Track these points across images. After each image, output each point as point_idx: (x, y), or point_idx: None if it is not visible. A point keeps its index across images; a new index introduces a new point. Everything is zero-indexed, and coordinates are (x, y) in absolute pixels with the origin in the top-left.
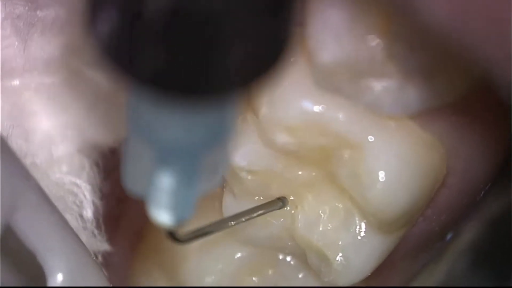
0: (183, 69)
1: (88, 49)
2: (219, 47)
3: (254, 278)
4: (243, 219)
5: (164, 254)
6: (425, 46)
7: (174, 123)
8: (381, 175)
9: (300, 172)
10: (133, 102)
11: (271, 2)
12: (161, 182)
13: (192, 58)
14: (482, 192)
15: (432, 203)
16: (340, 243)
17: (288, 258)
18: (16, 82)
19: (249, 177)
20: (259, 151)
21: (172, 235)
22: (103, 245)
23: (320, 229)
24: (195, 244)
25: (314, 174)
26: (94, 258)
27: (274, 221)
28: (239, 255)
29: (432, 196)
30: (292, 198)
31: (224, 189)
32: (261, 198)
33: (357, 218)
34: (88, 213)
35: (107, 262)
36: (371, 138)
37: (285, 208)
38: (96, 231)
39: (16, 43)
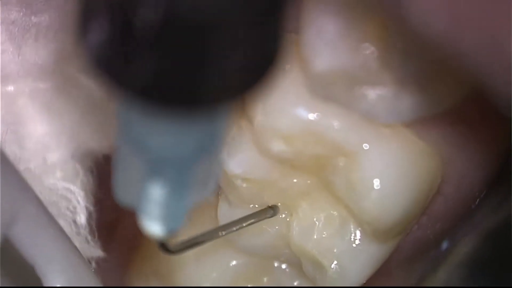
0: (173, 80)
1: (81, 56)
2: (210, 58)
3: (249, 286)
4: (234, 229)
5: (159, 261)
6: (420, 54)
7: (165, 133)
8: (376, 183)
9: (295, 180)
10: (124, 113)
11: (261, 12)
12: (152, 192)
13: (183, 69)
14: (477, 200)
15: (427, 211)
16: (335, 251)
17: (284, 266)
18: (10, 88)
19: (244, 185)
20: (254, 159)
21: (163, 246)
22: (96, 251)
23: (315, 237)
24: (190, 252)
25: (309, 182)
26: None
27: (269, 229)
28: (234, 263)
29: (427, 204)
30: (287, 206)
31: (219, 197)
32: (256, 206)
33: (352, 226)
34: (82, 219)
35: (101, 269)
36: (366, 146)
37: (280, 216)
38: (89, 237)
39: (11, 49)
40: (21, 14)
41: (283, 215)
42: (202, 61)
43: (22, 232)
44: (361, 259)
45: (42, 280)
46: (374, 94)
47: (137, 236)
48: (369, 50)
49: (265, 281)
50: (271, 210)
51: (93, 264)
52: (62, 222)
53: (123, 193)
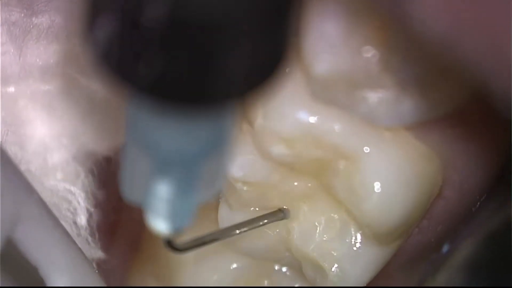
0: (182, 78)
1: (84, 56)
2: (218, 57)
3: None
4: (245, 229)
5: (160, 264)
6: (421, 58)
7: (172, 132)
8: (377, 186)
9: (296, 183)
10: (132, 111)
11: (270, 13)
12: (159, 190)
13: (191, 67)
14: (478, 203)
15: (428, 214)
16: (335, 254)
17: (284, 269)
18: (11, 89)
19: (245, 188)
20: (255, 162)
21: (170, 244)
22: (97, 253)
23: (316, 240)
24: (191, 254)
25: (309, 185)
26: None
27: (270, 232)
28: (235, 265)
29: (427, 207)
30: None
31: (220, 200)
32: (257, 209)
33: (352, 229)
34: (82, 220)
35: (102, 270)
36: (366, 149)
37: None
38: (90, 239)
39: (12, 50)
40: (22, 15)
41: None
42: (209, 59)
43: (26, 233)
44: (362, 262)
45: (45, 282)
46: (375, 97)
47: (138, 238)
48: (370, 54)
49: (265, 284)
50: (281, 213)
51: (94, 266)
52: (62, 224)
53: (130, 191)
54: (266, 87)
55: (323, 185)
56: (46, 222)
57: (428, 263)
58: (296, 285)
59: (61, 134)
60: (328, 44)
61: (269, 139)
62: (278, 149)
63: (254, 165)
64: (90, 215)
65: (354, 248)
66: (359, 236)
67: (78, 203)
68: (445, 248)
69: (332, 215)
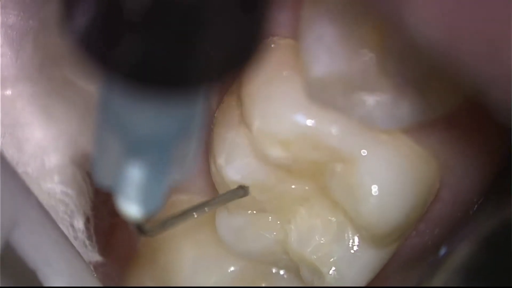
0: (157, 61)
1: (65, 37)
2: (193, 40)
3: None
4: (206, 209)
5: (157, 266)
6: (417, 61)
7: (145, 115)
8: (374, 189)
9: (293, 186)
10: (105, 93)
11: None
12: (130, 174)
13: (167, 50)
14: (475, 206)
15: (425, 216)
16: (333, 257)
17: (281, 272)
18: (9, 92)
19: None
20: (252, 165)
21: (139, 228)
22: (94, 256)
23: (313, 242)
24: (189, 257)
25: (307, 188)
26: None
27: (267, 235)
28: (232, 268)
29: (425, 209)
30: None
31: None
32: (254, 212)
33: (350, 232)
34: (79, 223)
35: (99, 273)
36: (364, 152)
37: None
38: (87, 242)
39: (9, 53)
40: (19, 18)
41: (281, 221)
42: (184, 42)
43: (24, 236)
44: (359, 265)
45: (43, 284)
46: (372, 100)
47: (135, 241)
48: (367, 56)
49: (263, 287)
50: (242, 190)
51: (91, 268)
52: (60, 226)
53: (102, 175)
54: (240, 71)
55: (320, 187)
56: (44, 224)
57: (425, 265)
58: (294, 287)
59: (58, 136)
60: (325, 46)
61: (266, 142)
62: (275, 152)
63: (251, 167)
64: (87, 218)
65: (352, 251)
66: (356, 239)
67: (75, 206)
68: (442, 250)
69: (329, 217)
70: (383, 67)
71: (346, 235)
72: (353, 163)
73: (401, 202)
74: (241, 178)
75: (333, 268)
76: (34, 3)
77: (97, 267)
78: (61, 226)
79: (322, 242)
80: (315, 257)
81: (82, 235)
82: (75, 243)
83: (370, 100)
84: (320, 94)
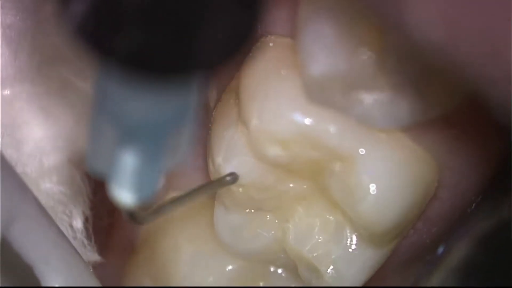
0: (153, 49)
1: (61, 24)
2: (189, 29)
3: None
4: (202, 195)
5: (155, 265)
6: (416, 60)
7: (140, 102)
8: (372, 188)
9: (291, 185)
10: (101, 80)
11: None
12: (124, 161)
13: (163, 38)
14: (473, 205)
15: (423, 215)
16: (331, 255)
17: (280, 271)
18: (7, 92)
19: (240, 190)
20: (250, 164)
21: (131, 216)
22: (93, 256)
23: (311, 241)
24: (186, 256)
25: (305, 186)
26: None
27: (266, 233)
28: (230, 267)
29: (423, 208)
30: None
31: (215, 201)
32: (252, 210)
33: (348, 231)
34: (78, 223)
35: (98, 273)
36: (362, 151)
37: (276, 220)
38: (86, 242)
39: (7, 53)
40: (17, 18)
41: (279, 220)
42: (180, 31)
43: (20, 232)
44: (357, 264)
45: (40, 280)
46: (371, 99)
47: (133, 240)
48: (366, 55)
49: (261, 286)
50: (231, 178)
51: (90, 269)
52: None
53: (95, 162)
54: (234, 59)
55: (318, 186)
56: (41, 221)
57: (423, 264)
58: (291, 286)
59: (57, 136)
60: (323, 45)
61: (265, 141)
62: (274, 151)
63: (249, 166)
64: (86, 218)
65: (350, 250)
66: (354, 238)
67: (74, 206)
68: (440, 249)
69: (327, 216)
70: (382, 66)
71: (344, 233)
72: (352, 162)
73: (399, 201)
74: (239, 176)
75: (331, 267)
76: (32, 3)
77: (96, 266)
78: (60, 226)
79: (320, 240)
80: (313, 255)
81: (81, 235)
82: (74, 243)
83: (369, 99)
84: (318, 93)
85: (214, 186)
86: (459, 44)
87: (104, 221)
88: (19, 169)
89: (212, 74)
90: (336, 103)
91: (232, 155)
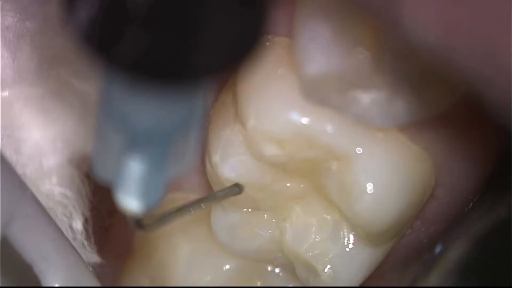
0: (158, 55)
1: (66, 30)
2: (194, 35)
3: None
4: (202, 206)
5: (153, 266)
6: (413, 58)
7: (146, 109)
8: (369, 187)
9: (288, 184)
10: (107, 87)
11: None
12: (130, 168)
13: (168, 44)
14: (471, 204)
15: (421, 214)
16: (328, 255)
17: (277, 270)
18: (6, 93)
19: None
20: (247, 163)
21: (138, 223)
22: (93, 257)
23: (309, 241)
24: (184, 256)
25: (302, 186)
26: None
27: (263, 233)
28: (227, 267)
29: (420, 208)
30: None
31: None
32: (249, 210)
33: (345, 230)
34: (78, 224)
35: (97, 274)
36: (359, 150)
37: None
38: (86, 243)
39: (6, 55)
40: (16, 19)
41: (276, 219)
42: (185, 37)
43: (20, 231)
44: (355, 263)
45: (40, 279)
46: (367, 98)
47: (130, 240)
48: (362, 54)
49: (258, 285)
50: (236, 188)
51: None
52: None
53: (102, 169)
54: (241, 64)
55: (315, 186)
56: (41, 219)
57: (420, 263)
58: (289, 286)
59: (56, 138)
60: (320, 44)
61: (262, 140)
62: (270, 150)
63: (246, 166)
64: (85, 219)
65: (347, 249)
66: (351, 237)
67: (74, 207)
68: (437, 248)
69: (324, 215)
70: (378, 65)
71: (341, 233)
72: (348, 161)
73: (397, 200)
74: (236, 176)
75: (329, 266)
76: (31, 5)
77: (95, 267)
78: (59, 227)
79: (317, 240)
80: (310, 255)
81: (80, 236)
82: (73, 245)
83: (365, 98)
84: (315, 92)
85: (219, 195)
86: (456, 45)
87: (104, 222)
88: (18, 171)
89: (217, 80)
90: (333, 102)
91: (229, 154)
